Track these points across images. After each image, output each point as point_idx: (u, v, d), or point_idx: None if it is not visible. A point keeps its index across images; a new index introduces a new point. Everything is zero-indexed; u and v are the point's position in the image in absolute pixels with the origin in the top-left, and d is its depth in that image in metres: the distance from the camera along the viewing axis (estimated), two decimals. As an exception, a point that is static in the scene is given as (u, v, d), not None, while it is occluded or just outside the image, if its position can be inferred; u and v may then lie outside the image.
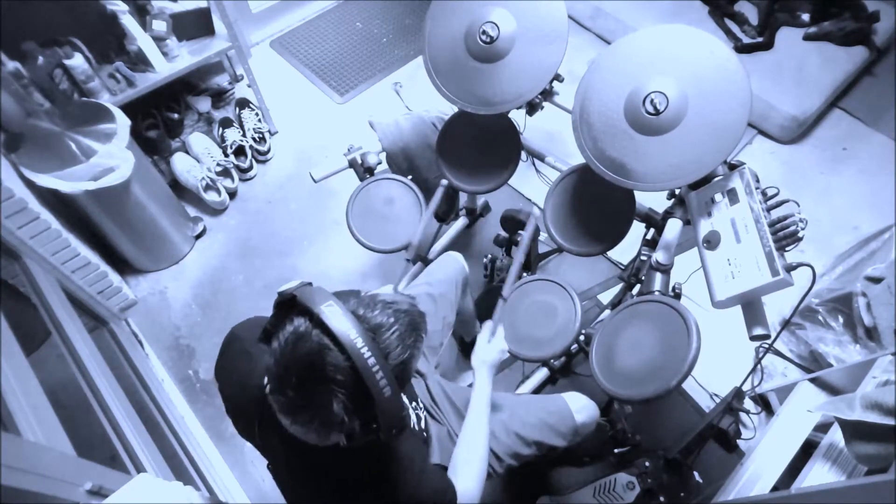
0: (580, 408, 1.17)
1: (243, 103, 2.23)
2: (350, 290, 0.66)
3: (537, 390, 1.60)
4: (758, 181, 1.00)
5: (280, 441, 0.72)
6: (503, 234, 1.51)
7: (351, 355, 0.55)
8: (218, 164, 2.05)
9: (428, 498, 0.77)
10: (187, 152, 2.08)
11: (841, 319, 1.51)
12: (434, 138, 1.48)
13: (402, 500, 0.74)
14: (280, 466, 0.81)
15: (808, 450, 1.22)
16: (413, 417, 0.96)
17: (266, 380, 0.63)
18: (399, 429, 0.61)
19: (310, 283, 0.63)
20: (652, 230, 1.25)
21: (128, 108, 1.67)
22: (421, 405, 1.05)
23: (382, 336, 0.60)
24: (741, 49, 2.18)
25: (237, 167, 2.13)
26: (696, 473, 1.36)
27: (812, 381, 1.37)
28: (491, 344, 1.09)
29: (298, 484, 0.78)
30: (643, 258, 1.20)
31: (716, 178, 1.05)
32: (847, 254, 1.65)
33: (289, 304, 0.61)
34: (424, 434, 0.99)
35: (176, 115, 2.05)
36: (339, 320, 0.56)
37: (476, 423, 0.97)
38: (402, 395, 0.66)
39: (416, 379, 1.16)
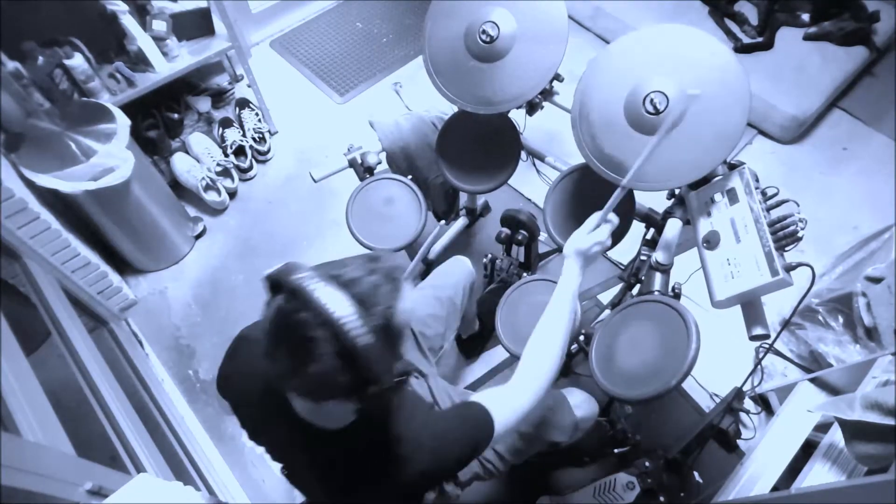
0: (579, 403, 1.18)
1: (243, 103, 2.23)
2: (331, 261, 0.66)
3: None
4: (757, 181, 1.00)
5: (292, 434, 0.73)
6: (505, 230, 1.51)
7: (321, 312, 0.57)
8: (218, 164, 2.05)
9: (448, 447, 0.75)
10: (187, 152, 2.08)
11: (841, 319, 1.51)
12: (434, 138, 1.48)
13: (426, 443, 0.74)
14: (296, 464, 0.81)
15: (808, 450, 1.22)
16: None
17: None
18: (389, 382, 0.62)
19: (290, 263, 0.64)
20: (652, 230, 1.25)
21: (128, 108, 1.67)
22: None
23: (356, 289, 0.60)
24: (741, 49, 2.18)
25: (237, 167, 2.13)
26: (696, 473, 1.36)
27: (812, 381, 1.37)
28: (591, 235, 0.96)
29: (318, 475, 0.77)
30: (643, 258, 1.20)
31: (715, 178, 1.05)
32: (847, 254, 1.65)
33: (273, 286, 0.63)
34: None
35: (176, 115, 2.05)
36: (311, 284, 0.59)
37: (555, 314, 0.90)
38: (398, 347, 0.65)
39: (417, 379, 1.16)
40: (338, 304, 0.57)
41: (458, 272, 1.34)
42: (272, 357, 0.61)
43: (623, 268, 1.39)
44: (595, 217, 0.98)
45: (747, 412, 1.49)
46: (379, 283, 0.62)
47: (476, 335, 1.71)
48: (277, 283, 0.61)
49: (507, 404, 0.81)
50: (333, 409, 0.65)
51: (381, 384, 0.61)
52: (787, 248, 0.92)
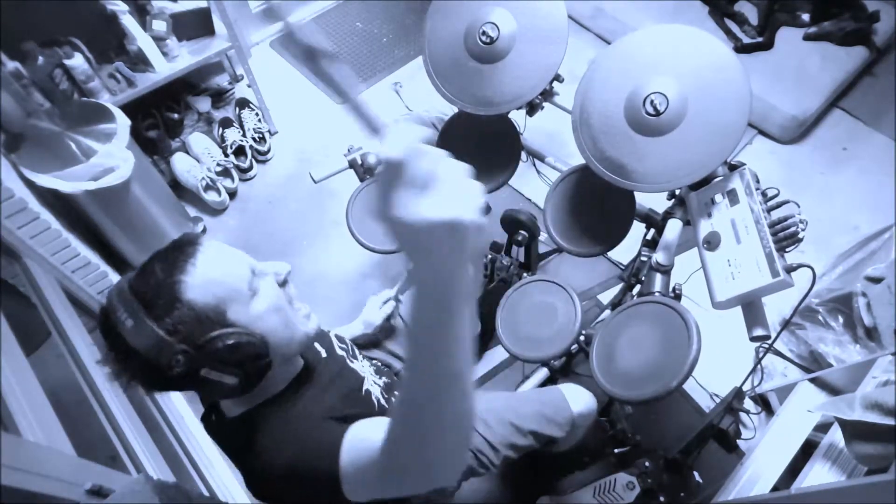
0: (577, 398, 1.17)
1: (243, 103, 2.23)
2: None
3: (537, 390, 1.60)
4: (758, 182, 1.00)
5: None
6: (499, 242, 1.52)
7: (111, 311, 0.60)
8: (218, 164, 2.05)
9: (301, 448, 0.67)
10: (187, 152, 2.07)
11: (841, 319, 1.51)
12: (434, 138, 1.48)
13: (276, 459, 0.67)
14: None
15: (808, 450, 1.22)
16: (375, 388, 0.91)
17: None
18: (213, 346, 0.61)
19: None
20: (652, 231, 1.25)
21: (128, 108, 1.66)
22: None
23: (138, 282, 0.62)
24: (741, 49, 2.18)
25: (237, 167, 2.13)
26: (696, 473, 1.36)
27: (812, 381, 1.37)
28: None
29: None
30: (643, 259, 1.20)
31: (716, 179, 1.05)
32: (847, 254, 1.65)
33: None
34: (378, 403, 0.88)
35: (176, 115, 2.05)
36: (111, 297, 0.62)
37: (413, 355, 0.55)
38: (213, 320, 0.62)
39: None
40: (119, 298, 0.61)
41: None
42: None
43: (623, 268, 1.39)
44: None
45: (747, 412, 1.49)
46: (158, 265, 0.62)
47: (477, 336, 1.71)
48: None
49: (363, 436, 0.64)
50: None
51: (196, 347, 0.61)
52: (787, 249, 0.92)
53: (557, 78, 1.23)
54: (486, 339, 1.74)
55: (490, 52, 1.19)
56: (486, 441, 1.06)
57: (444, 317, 0.44)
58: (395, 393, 0.98)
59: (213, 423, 0.77)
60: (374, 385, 0.91)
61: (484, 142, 1.41)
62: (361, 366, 0.95)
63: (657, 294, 1.06)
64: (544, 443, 1.13)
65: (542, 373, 1.61)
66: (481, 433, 1.07)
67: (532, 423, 1.09)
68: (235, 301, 0.65)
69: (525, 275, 1.53)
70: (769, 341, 0.94)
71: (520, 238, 1.42)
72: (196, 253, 0.64)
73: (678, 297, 1.09)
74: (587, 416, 1.18)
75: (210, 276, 0.63)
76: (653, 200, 1.24)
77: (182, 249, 0.64)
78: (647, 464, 1.29)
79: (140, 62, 1.75)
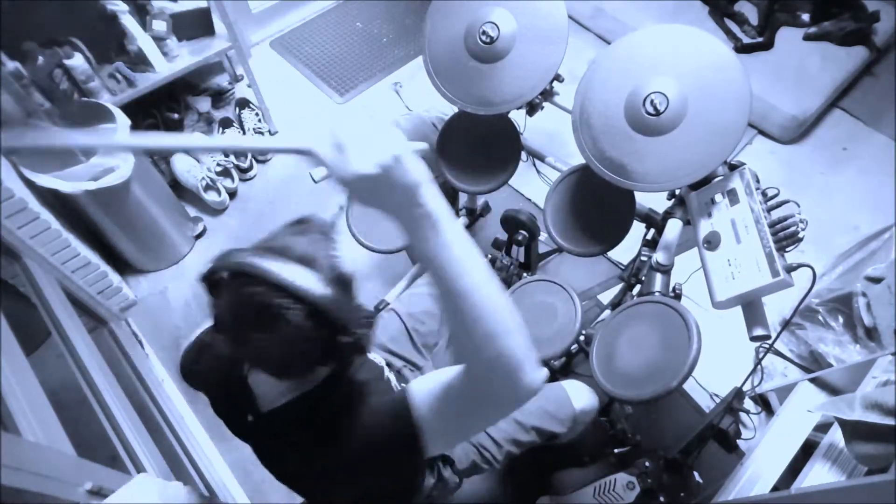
0: (579, 395, 1.17)
1: (243, 103, 2.23)
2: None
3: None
4: (758, 181, 1.00)
5: (258, 430, 0.75)
6: (501, 237, 1.51)
7: (274, 282, 0.56)
8: (218, 164, 2.05)
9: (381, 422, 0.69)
10: (187, 152, 2.07)
11: (841, 319, 1.51)
12: (434, 138, 1.48)
13: (359, 432, 0.69)
14: (275, 454, 0.82)
15: (808, 450, 1.22)
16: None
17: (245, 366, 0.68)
18: (358, 322, 0.62)
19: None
20: (652, 230, 1.25)
21: (128, 108, 1.66)
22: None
23: (295, 251, 0.60)
24: (741, 49, 2.18)
25: (237, 167, 2.13)
26: (696, 473, 1.36)
27: (812, 381, 1.37)
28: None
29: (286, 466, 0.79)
30: (643, 258, 1.20)
31: (716, 179, 1.05)
32: (847, 254, 1.65)
33: (211, 283, 0.63)
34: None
35: (176, 115, 2.05)
36: (248, 262, 0.58)
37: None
38: (352, 293, 0.64)
39: (414, 373, 1.17)
40: (285, 270, 0.57)
41: None
42: (242, 343, 0.61)
43: (623, 268, 1.39)
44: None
45: (747, 412, 1.49)
46: (313, 240, 0.62)
47: None
48: (217, 278, 0.61)
49: (430, 378, 0.70)
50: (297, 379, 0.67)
51: (351, 332, 0.61)
52: (787, 249, 0.92)
53: (557, 78, 1.23)
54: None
55: (490, 51, 1.19)
56: (490, 437, 1.07)
57: (432, 237, 0.54)
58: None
59: (254, 422, 0.76)
60: (390, 373, 0.94)
61: (484, 142, 1.41)
62: (375, 357, 0.97)
63: (657, 294, 1.06)
64: (546, 438, 1.14)
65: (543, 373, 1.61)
66: (486, 432, 1.07)
67: (535, 419, 1.10)
68: None
69: (525, 275, 1.53)
70: (769, 341, 0.94)
71: (520, 238, 1.42)
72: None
73: (678, 296, 1.09)
74: (589, 412, 1.19)
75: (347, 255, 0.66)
76: (653, 200, 1.24)
77: (327, 235, 0.66)
78: (647, 464, 1.29)
79: (140, 62, 1.75)
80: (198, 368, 0.85)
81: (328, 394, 0.72)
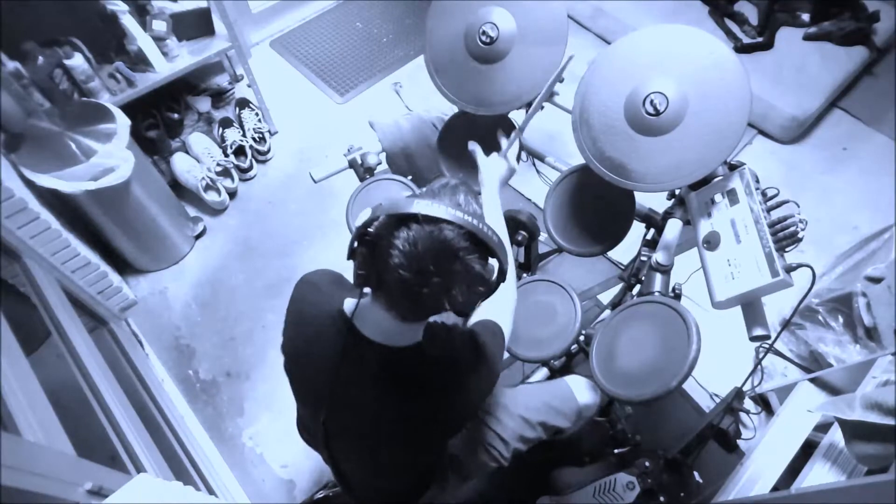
0: (582, 389, 1.19)
1: (243, 103, 2.23)
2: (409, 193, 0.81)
3: (537, 390, 1.60)
4: (758, 181, 1.00)
5: (370, 372, 0.79)
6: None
7: (467, 228, 0.67)
8: (218, 164, 2.05)
9: (487, 346, 0.85)
10: (187, 152, 2.08)
11: (841, 319, 1.51)
12: (434, 138, 1.48)
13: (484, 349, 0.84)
14: (369, 419, 0.84)
15: (808, 450, 1.22)
16: None
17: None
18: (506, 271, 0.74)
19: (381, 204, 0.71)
20: (652, 230, 1.25)
21: (128, 108, 1.67)
22: None
23: (467, 208, 0.72)
24: (741, 49, 2.18)
25: (237, 167, 2.13)
26: (696, 473, 1.36)
27: (812, 381, 1.37)
28: (502, 159, 1.17)
29: (396, 416, 0.83)
30: (643, 258, 1.20)
31: (716, 179, 1.05)
32: (847, 254, 1.65)
33: (372, 230, 0.70)
34: None
35: (176, 115, 2.05)
36: (437, 210, 0.66)
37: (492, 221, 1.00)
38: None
39: None
40: (472, 218, 0.67)
41: None
42: (423, 282, 0.66)
43: (623, 268, 1.39)
44: (503, 144, 1.20)
45: (747, 412, 1.49)
46: (471, 200, 0.76)
47: None
48: (392, 221, 0.67)
49: (500, 310, 0.93)
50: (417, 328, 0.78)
51: (506, 271, 0.74)
52: (787, 249, 0.92)
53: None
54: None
55: (490, 52, 1.19)
56: (498, 436, 1.08)
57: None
58: None
59: (400, 353, 0.79)
60: None
61: (484, 142, 1.41)
62: None
63: (657, 294, 1.06)
64: (552, 434, 1.16)
65: (542, 373, 1.61)
66: (493, 428, 1.08)
67: (541, 414, 1.12)
68: None
69: (525, 275, 1.53)
70: (769, 341, 0.94)
71: (520, 238, 1.41)
72: None
73: (678, 296, 1.09)
74: (592, 406, 1.20)
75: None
76: (653, 200, 1.24)
77: (474, 191, 0.81)
78: (647, 464, 1.29)
79: (140, 62, 1.75)
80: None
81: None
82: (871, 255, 1.53)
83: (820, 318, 1.55)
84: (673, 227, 1.12)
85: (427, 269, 0.66)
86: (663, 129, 1.01)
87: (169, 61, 1.80)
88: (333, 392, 0.83)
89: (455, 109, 1.38)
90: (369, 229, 0.69)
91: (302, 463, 1.59)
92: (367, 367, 0.79)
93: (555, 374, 1.61)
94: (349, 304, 0.81)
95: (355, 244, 0.71)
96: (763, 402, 1.62)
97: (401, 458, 0.91)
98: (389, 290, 0.70)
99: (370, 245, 0.69)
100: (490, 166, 1.16)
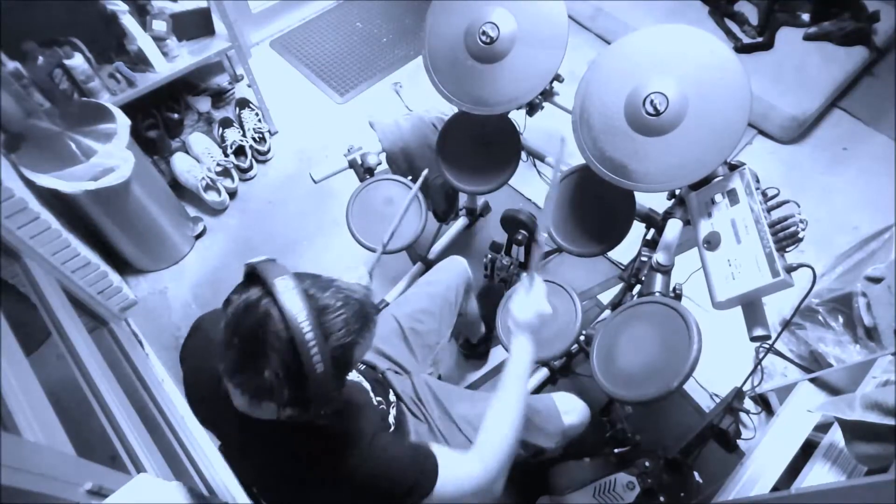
0: (569, 409, 1.15)
1: (243, 103, 2.23)
2: (311, 273, 0.67)
3: (537, 391, 1.60)
4: (758, 181, 1.00)
5: (236, 422, 0.73)
6: (498, 241, 1.52)
7: (290, 327, 0.57)
8: (218, 164, 2.05)
9: (386, 470, 0.73)
10: (187, 152, 2.08)
11: (841, 319, 1.51)
12: (434, 138, 1.48)
13: (356, 473, 0.72)
14: (234, 448, 0.82)
15: (808, 450, 1.22)
16: (384, 408, 0.95)
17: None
18: (328, 409, 0.64)
19: (273, 260, 0.65)
20: (652, 230, 1.25)
21: (128, 108, 1.66)
22: (397, 399, 1.06)
23: (327, 317, 0.61)
24: (741, 49, 2.18)
25: (237, 167, 2.13)
26: (696, 473, 1.36)
27: (812, 381, 1.37)
28: (528, 298, 0.92)
29: (251, 464, 0.79)
30: (643, 259, 1.20)
31: (716, 179, 1.05)
32: (847, 254, 1.65)
33: (250, 276, 0.63)
34: (392, 425, 0.98)
35: (176, 115, 2.05)
36: (288, 294, 0.59)
37: (505, 394, 0.85)
38: (344, 378, 0.67)
39: (400, 375, 1.16)
40: (305, 323, 0.58)
41: (453, 271, 1.34)
42: (225, 345, 0.61)
43: (623, 268, 1.39)
44: (524, 279, 0.95)
45: (747, 412, 1.49)
46: (349, 318, 0.62)
47: (483, 339, 1.71)
48: (255, 276, 0.62)
49: (456, 472, 0.77)
50: (268, 408, 0.65)
51: (319, 407, 0.63)
52: (787, 249, 0.92)
53: (557, 78, 1.23)
54: (489, 339, 1.74)
55: (490, 51, 1.19)
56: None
57: (529, 368, 0.89)
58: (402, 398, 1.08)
59: (257, 424, 0.73)
60: (371, 395, 0.94)
61: (484, 142, 1.41)
62: (356, 376, 0.97)
63: (657, 294, 1.06)
64: (532, 454, 1.12)
65: (542, 373, 1.61)
66: (469, 437, 1.05)
67: (521, 432, 1.08)
68: None
69: (525, 275, 1.53)
70: (769, 341, 0.94)
71: (520, 238, 1.42)
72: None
73: (678, 297, 1.09)
74: (578, 427, 1.17)
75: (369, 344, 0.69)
76: (653, 200, 1.24)
77: (366, 319, 0.66)
78: (647, 464, 1.29)
79: (140, 62, 1.75)
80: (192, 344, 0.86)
81: (326, 423, 0.72)
82: (871, 255, 1.53)
83: (820, 318, 1.55)
84: (673, 227, 1.12)
85: (229, 335, 0.61)
86: (663, 129, 1.01)
87: (169, 61, 1.80)
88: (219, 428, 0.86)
89: (455, 110, 1.38)
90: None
91: (302, 463, 1.58)
92: (234, 434, 0.77)
93: (555, 374, 1.61)
94: None
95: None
96: (763, 402, 1.62)
97: None
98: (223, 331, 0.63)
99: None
100: (514, 308, 0.93)
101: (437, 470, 0.74)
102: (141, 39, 1.69)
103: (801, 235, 0.89)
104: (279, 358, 0.58)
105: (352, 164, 1.46)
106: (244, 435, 0.75)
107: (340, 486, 0.71)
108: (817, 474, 1.13)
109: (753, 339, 0.93)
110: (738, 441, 1.39)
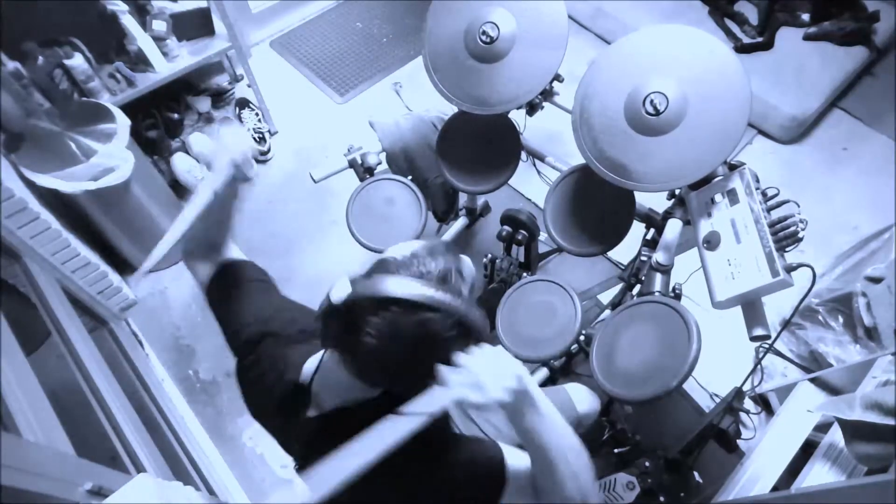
0: (581, 398, 1.18)
1: (243, 103, 2.23)
2: (380, 259, 0.68)
3: (537, 390, 1.60)
4: (758, 181, 1.00)
5: (323, 432, 0.72)
6: (507, 228, 1.51)
7: (451, 312, 0.58)
8: (218, 164, 2.05)
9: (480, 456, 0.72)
10: (187, 152, 2.07)
11: (841, 319, 1.51)
12: (434, 138, 1.48)
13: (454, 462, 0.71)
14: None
15: (808, 450, 1.22)
16: None
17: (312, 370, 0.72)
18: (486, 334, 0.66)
19: (352, 278, 0.64)
20: (652, 230, 1.25)
21: (128, 108, 1.66)
22: None
23: (451, 282, 0.63)
24: (741, 49, 2.18)
25: (237, 167, 2.13)
26: (696, 473, 1.36)
27: (812, 381, 1.37)
28: (490, 383, 0.66)
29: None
30: (643, 258, 1.20)
31: (716, 179, 1.05)
32: (847, 254, 1.65)
33: (349, 307, 0.61)
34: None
35: (176, 115, 2.05)
36: (415, 291, 0.58)
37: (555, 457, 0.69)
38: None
39: None
40: (447, 297, 0.59)
41: None
42: (394, 368, 0.61)
43: (623, 268, 1.39)
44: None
45: (747, 412, 1.49)
46: (460, 269, 0.66)
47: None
48: (364, 304, 0.59)
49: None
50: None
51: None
52: (787, 249, 0.92)
53: (557, 78, 1.23)
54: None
55: (490, 51, 1.19)
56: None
57: (531, 412, 0.65)
58: None
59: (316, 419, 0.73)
60: None
61: (484, 141, 1.41)
62: None
63: (657, 294, 1.06)
64: None
65: (543, 373, 1.61)
66: (492, 437, 1.07)
67: None
68: None
69: (525, 275, 1.53)
70: (769, 341, 0.94)
71: (520, 238, 1.42)
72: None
73: (678, 296, 1.09)
74: (591, 415, 1.19)
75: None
76: (653, 200, 1.24)
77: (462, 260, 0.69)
78: (647, 464, 1.29)
79: (140, 62, 1.75)
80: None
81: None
82: (871, 255, 1.53)
83: (820, 318, 1.55)
84: (673, 227, 1.12)
85: (408, 357, 0.59)
86: (663, 129, 1.01)
87: (169, 61, 1.80)
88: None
89: (455, 109, 1.38)
90: (340, 306, 0.61)
91: (302, 463, 1.58)
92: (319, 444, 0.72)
93: (555, 374, 1.61)
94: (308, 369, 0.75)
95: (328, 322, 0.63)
96: (763, 402, 1.62)
97: None
98: (361, 365, 0.63)
99: (343, 323, 0.61)
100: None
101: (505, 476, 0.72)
102: (141, 39, 1.69)
103: (800, 235, 0.89)
104: (454, 335, 0.59)
105: (352, 164, 1.46)
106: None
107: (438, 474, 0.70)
108: (817, 474, 1.13)
109: (753, 338, 0.94)
110: (738, 441, 1.39)
